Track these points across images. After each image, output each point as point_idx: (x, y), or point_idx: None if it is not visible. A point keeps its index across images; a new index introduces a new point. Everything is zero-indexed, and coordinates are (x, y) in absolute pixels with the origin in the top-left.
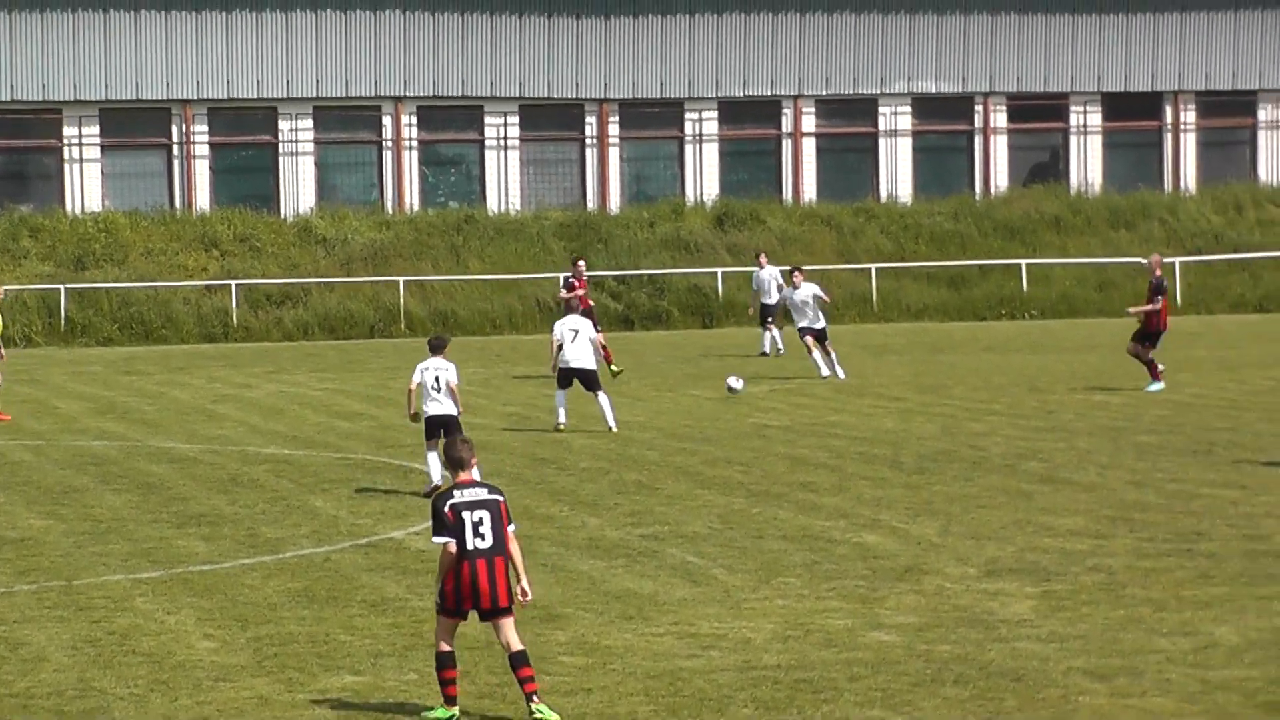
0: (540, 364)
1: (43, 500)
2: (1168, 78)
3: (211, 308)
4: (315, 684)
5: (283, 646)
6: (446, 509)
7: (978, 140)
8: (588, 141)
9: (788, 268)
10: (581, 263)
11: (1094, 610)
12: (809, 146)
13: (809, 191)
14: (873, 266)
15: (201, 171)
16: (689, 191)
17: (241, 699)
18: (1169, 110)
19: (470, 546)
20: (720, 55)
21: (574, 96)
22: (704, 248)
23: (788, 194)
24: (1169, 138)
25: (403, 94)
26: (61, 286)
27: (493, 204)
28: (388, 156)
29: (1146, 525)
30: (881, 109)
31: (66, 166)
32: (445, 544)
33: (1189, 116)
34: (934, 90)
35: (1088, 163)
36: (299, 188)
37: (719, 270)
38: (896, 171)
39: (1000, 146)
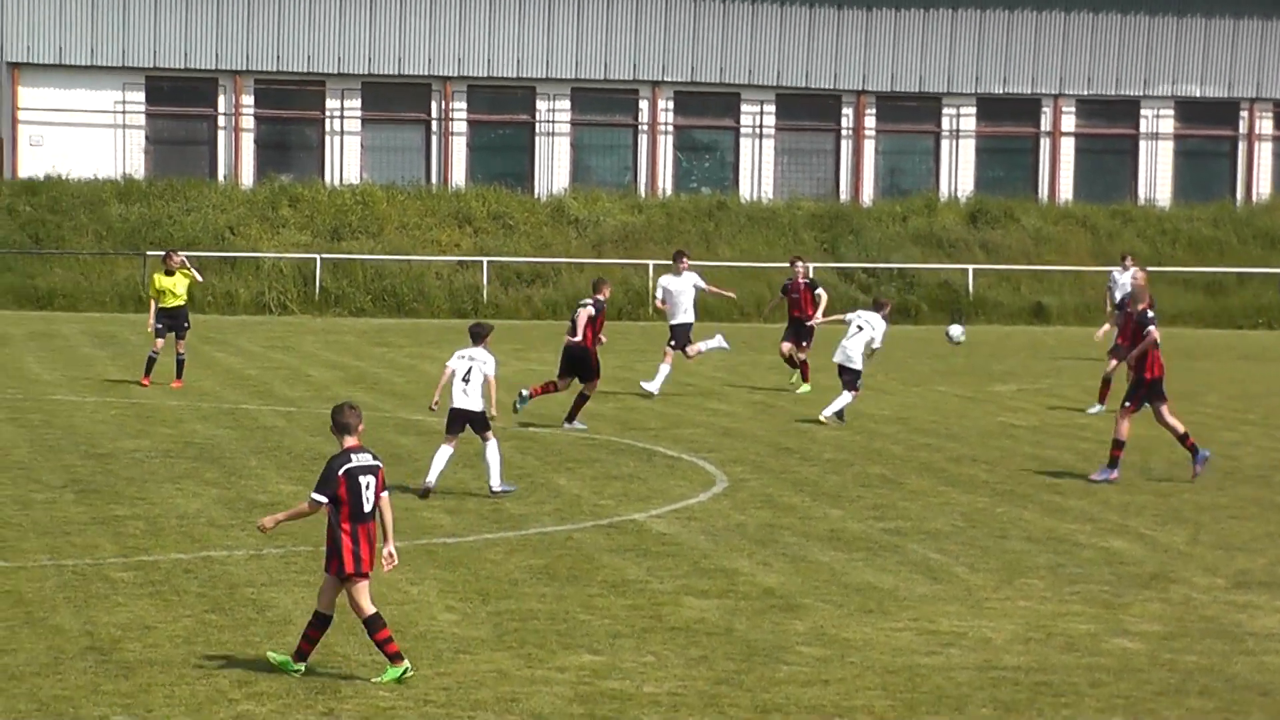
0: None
1: (293, 466)
2: None
3: (463, 283)
4: (554, 661)
5: (523, 622)
6: (341, 473)
7: (1241, 146)
8: (843, 133)
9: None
10: (799, 264)
11: None
12: (1068, 146)
13: (1065, 191)
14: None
15: (459, 148)
16: (943, 187)
17: (481, 671)
18: None
19: (366, 510)
20: (981, 51)
21: (831, 88)
22: (956, 244)
23: (1044, 193)
24: None
25: (660, 78)
26: (317, 256)
27: (745, 191)
28: (643, 140)
29: None
30: (1143, 111)
31: (327, 138)
32: (321, 504)
33: None
34: (1198, 94)
35: None
36: (554, 168)
37: (970, 267)
38: (1156, 174)
39: (1265, 153)
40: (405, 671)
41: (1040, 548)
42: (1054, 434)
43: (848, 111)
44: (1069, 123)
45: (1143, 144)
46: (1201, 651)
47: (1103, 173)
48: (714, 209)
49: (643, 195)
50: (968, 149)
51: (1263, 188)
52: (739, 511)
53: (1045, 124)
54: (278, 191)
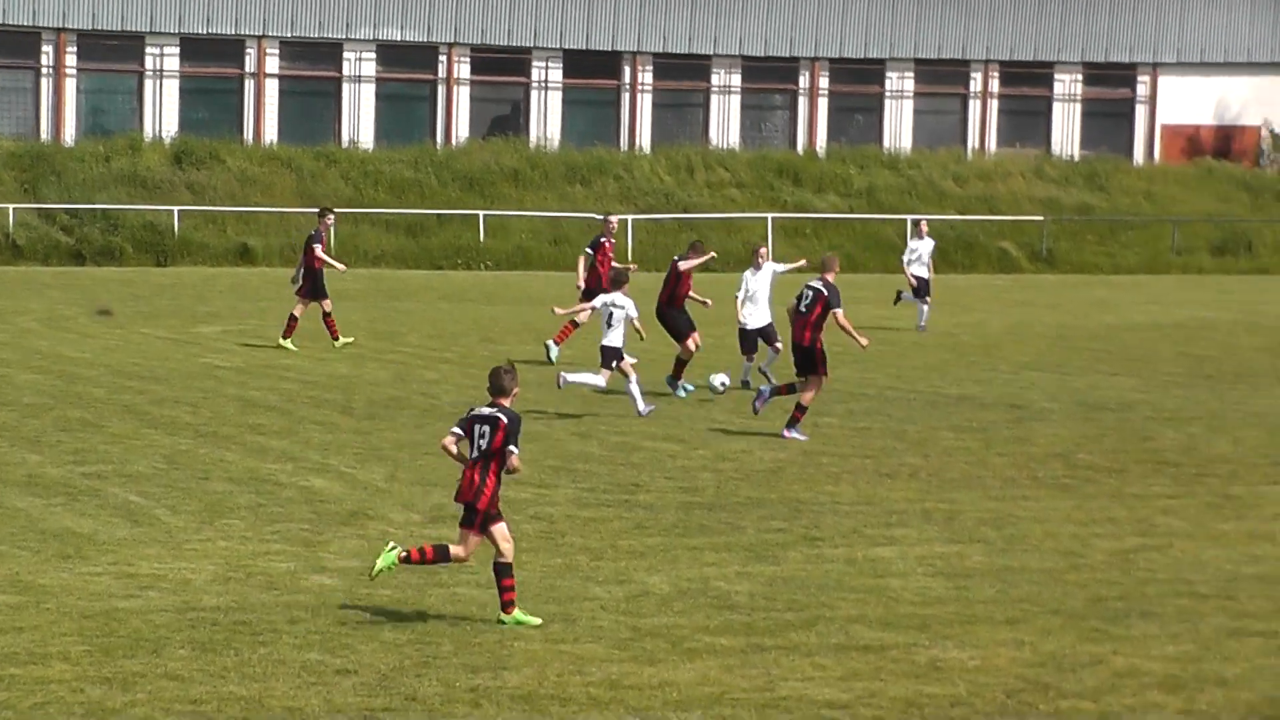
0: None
1: None
2: (627, 38)
3: None
4: None
5: None
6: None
7: (440, 90)
8: (43, 70)
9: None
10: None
11: (533, 558)
12: (272, 87)
13: (270, 133)
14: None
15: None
16: (148, 127)
17: None
18: (627, 70)
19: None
20: None
21: (30, 24)
22: (161, 185)
23: (248, 134)
24: (626, 97)
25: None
26: None
27: None
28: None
29: (588, 476)
30: (346, 54)
31: None
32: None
33: (646, 77)
34: (400, 39)
35: (547, 118)
36: None
37: (175, 208)
38: (360, 117)
39: (463, 97)
40: None
41: (242, 488)
42: (257, 375)
43: (48, 49)
44: (273, 64)
45: (345, 87)
46: (396, 586)
47: (307, 115)
48: None
49: None
50: (171, 89)
51: (461, 131)
52: None
53: (249, 65)
54: None
